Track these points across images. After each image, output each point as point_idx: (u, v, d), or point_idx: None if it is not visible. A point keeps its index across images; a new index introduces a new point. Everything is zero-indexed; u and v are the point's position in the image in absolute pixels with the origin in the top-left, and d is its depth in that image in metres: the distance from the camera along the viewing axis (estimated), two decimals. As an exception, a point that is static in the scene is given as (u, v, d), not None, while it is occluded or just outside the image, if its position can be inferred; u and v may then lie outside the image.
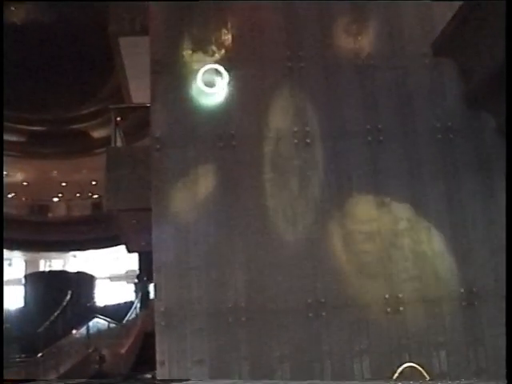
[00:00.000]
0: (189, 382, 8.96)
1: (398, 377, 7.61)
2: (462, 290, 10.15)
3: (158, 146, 10.54)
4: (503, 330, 9.18)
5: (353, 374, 9.68)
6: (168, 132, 10.65)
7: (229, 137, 10.56)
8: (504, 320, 8.80)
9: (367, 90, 10.96)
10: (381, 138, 10.68)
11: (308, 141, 10.61)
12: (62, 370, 24.73)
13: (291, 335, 9.84)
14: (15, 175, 46.70)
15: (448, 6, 10.83)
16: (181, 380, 9.20)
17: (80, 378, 24.33)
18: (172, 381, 9.45)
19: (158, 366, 9.64)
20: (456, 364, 9.78)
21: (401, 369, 7.63)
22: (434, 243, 10.32)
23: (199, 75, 10.66)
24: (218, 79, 10.68)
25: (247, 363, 9.65)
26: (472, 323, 10.04)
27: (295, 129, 10.67)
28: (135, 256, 37.66)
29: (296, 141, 10.61)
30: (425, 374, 7.82)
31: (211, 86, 10.68)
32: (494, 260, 10.12)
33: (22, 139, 44.64)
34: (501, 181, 10.02)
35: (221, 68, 10.69)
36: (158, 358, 9.67)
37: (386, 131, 10.72)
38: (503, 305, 9.10)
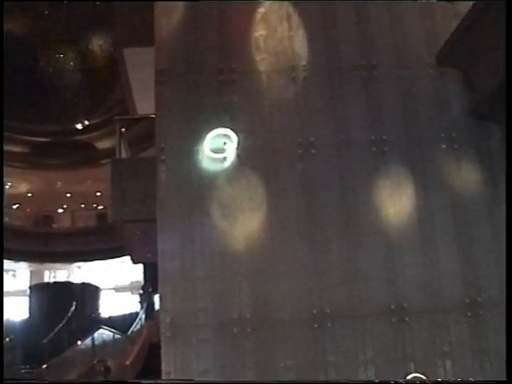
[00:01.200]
0: (192, 381, 8.97)
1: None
2: (468, 300, 10.13)
3: (163, 157, 10.56)
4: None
5: (358, 385, 9.68)
6: (173, 142, 10.68)
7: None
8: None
9: (372, 100, 10.99)
10: (385, 148, 10.69)
11: (313, 151, 10.62)
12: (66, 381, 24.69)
13: (296, 346, 9.84)
14: (20, 186, 46.83)
15: (452, 15, 10.90)
16: (184, 380, 9.22)
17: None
18: (173, 380, 9.47)
19: (163, 376, 9.63)
20: (461, 374, 9.75)
21: (407, 379, 7.63)
22: (439, 253, 10.31)
23: (206, 142, 10.52)
24: (226, 143, 10.53)
25: (252, 373, 9.63)
26: (477, 333, 10.02)
27: (300, 139, 10.68)
28: (140, 267, 37.65)
29: (301, 151, 10.62)
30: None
31: (219, 152, 10.53)
32: (498, 270, 10.09)
33: (27, 150, 44.79)
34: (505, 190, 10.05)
35: (229, 132, 10.56)
36: (164, 368, 9.66)
37: (390, 142, 10.73)
38: (509, 315, 9.10)
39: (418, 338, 9.93)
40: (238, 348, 9.78)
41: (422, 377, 7.52)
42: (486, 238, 10.44)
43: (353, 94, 11.00)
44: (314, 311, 9.93)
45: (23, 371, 26.49)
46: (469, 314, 10.08)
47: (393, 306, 10.01)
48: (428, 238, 10.38)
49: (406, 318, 9.97)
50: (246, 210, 10.34)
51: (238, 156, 10.54)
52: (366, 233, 10.38)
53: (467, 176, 10.69)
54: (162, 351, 9.73)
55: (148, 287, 37.73)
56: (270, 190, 10.44)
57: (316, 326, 9.88)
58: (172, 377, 9.55)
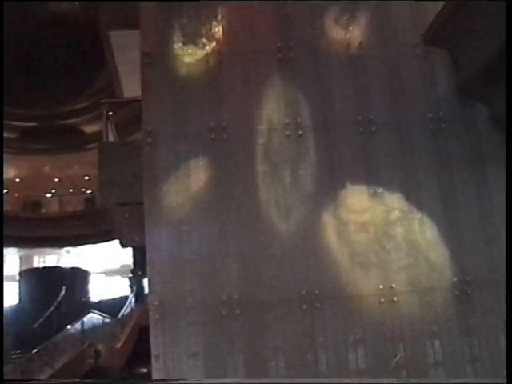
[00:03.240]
0: (185, 381, 8.96)
1: (393, 367, 7.63)
2: (456, 279, 10.14)
3: (150, 140, 10.50)
4: (496, 318, 9.26)
5: (347, 365, 9.69)
6: (160, 125, 10.62)
7: (220, 129, 10.53)
8: (497, 308, 8.85)
9: (359, 80, 10.94)
10: (373, 128, 10.66)
11: (300, 132, 10.59)
12: (57, 365, 24.74)
13: (285, 327, 9.84)
14: (8, 171, 46.57)
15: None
16: (177, 380, 9.21)
17: (76, 374, 24.38)
18: (168, 380, 9.45)
19: (153, 359, 9.62)
20: (450, 353, 9.79)
21: (395, 359, 7.67)
22: (426, 233, 10.31)
23: None
24: None
25: (241, 355, 9.64)
26: (465, 312, 10.04)
27: (287, 120, 10.64)
28: (129, 250, 37.67)
29: (288, 132, 10.59)
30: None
31: None
32: (487, 249, 10.14)
33: (14, 135, 44.50)
34: (494, 170, 10.08)
35: None
36: (153, 351, 9.64)
37: (377, 122, 10.69)
38: (496, 293, 9.17)
39: (406, 318, 9.95)
40: (226, 330, 9.77)
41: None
42: (474, 217, 10.43)
43: (339, 74, 10.96)
44: (303, 292, 9.93)
45: (14, 356, 26.48)
46: (457, 293, 10.10)
47: (381, 286, 10.02)
48: (416, 218, 10.38)
49: (395, 298, 9.99)
50: (233, 192, 10.31)
51: (226, 138, 10.51)
52: (355, 214, 10.37)
53: (455, 156, 10.67)
54: (151, 334, 9.72)
55: (137, 271, 37.76)
56: (257, 171, 10.41)
57: (305, 307, 9.88)
58: (161, 360, 9.55)
